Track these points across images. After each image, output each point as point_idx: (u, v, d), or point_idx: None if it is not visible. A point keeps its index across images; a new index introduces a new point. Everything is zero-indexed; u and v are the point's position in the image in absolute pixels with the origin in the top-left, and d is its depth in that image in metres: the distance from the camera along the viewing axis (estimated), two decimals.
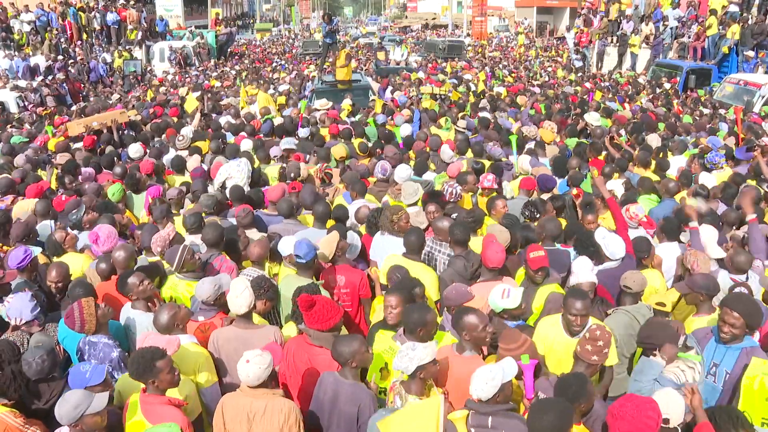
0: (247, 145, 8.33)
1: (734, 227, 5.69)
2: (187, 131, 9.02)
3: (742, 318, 3.55)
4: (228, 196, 6.30)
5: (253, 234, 5.41)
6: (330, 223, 5.52)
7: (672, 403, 3.01)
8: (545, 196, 6.31)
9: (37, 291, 4.65)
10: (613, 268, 4.65)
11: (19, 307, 4.06)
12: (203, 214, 5.70)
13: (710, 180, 6.78)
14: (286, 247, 4.74)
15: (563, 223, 5.58)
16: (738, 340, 3.64)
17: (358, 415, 3.39)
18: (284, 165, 7.37)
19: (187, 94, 14.47)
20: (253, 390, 3.29)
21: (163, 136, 9.47)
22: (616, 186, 6.44)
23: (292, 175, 6.82)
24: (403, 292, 3.99)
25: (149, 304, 4.27)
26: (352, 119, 10.49)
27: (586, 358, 3.44)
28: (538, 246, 4.54)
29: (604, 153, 8.09)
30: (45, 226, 5.79)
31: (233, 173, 6.59)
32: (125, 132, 9.63)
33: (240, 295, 3.84)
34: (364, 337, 3.99)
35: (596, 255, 4.75)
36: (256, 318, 4.14)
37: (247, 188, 6.43)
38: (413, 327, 3.66)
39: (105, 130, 9.33)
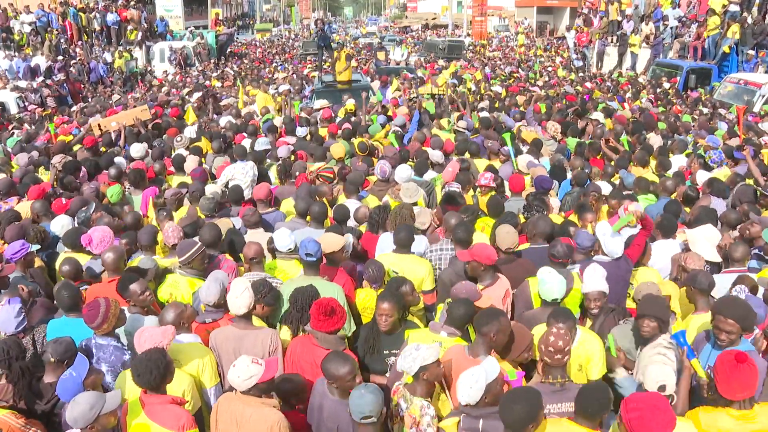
0: (265, 144, 8.32)
1: (733, 228, 5.69)
2: (188, 131, 9.06)
3: (738, 323, 3.57)
4: (228, 196, 6.32)
5: (260, 233, 5.40)
6: (327, 223, 5.53)
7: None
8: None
9: (33, 285, 4.73)
10: (605, 262, 4.61)
11: (4, 320, 4.07)
12: (203, 217, 5.72)
13: (706, 179, 6.79)
14: (281, 241, 4.80)
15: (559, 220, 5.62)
16: (734, 344, 3.63)
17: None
18: (278, 164, 7.39)
19: (188, 94, 14.48)
20: (244, 396, 3.28)
21: (165, 136, 9.48)
22: (606, 186, 6.43)
23: (297, 174, 6.84)
24: (396, 296, 4.01)
25: (144, 310, 4.27)
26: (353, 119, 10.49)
27: (559, 364, 3.39)
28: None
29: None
30: (60, 222, 5.73)
31: (237, 176, 6.59)
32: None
33: (240, 295, 3.84)
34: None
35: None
36: (257, 321, 4.13)
37: (249, 191, 6.44)
38: (462, 323, 3.77)
39: (123, 130, 9.33)
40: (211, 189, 6.55)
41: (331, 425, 3.37)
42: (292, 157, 7.96)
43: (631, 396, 2.96)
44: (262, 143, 8.26)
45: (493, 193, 6.35)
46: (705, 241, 4.96)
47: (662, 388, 3.07)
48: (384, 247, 5.12)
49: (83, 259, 5.12)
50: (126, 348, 3.94)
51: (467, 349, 3.61)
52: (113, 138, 9.39)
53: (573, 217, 5.85)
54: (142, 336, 3.56)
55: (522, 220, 5.66)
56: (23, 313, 4.13)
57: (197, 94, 13.79)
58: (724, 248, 4.90)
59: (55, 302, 4.48)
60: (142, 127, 9.48)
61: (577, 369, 3.79)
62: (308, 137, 9.10)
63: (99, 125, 9.61)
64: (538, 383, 3.43)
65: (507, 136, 8.20)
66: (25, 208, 6.27)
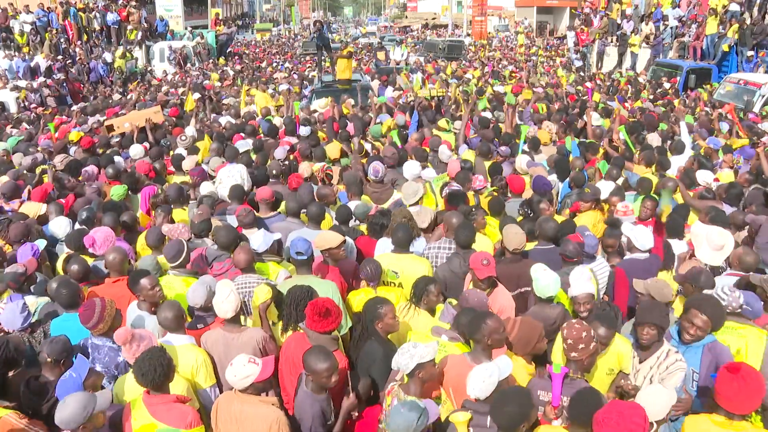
0: (246, 145, 8.30)
1: (742, 229, 5.70)
2: (190, 131, 9.05)
3: (711, 320, 3.64)
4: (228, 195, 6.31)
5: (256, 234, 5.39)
6: (326, 225, 5.51)
7: (659, 405, 3.07)
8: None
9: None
10: (640, 259, 4.75)
11: (11, 318, 4.11)
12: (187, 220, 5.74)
13: (708, 177, 6.78)
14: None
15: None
16: (700, 339, 3.72)
17: (301, 423, 3.37)
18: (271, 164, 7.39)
19: (184, 94, 14.47)
20: (243, 394, 3.29)
21: (169, 135, 9.46)
22: (606, 186, 6.44)
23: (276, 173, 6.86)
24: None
25: (153, 307, 4.25)
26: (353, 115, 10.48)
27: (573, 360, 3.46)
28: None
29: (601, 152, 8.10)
30: (58, 224, 5.72)
31: (224, 179, 6.57)
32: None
33: (225, 299, 3.83)
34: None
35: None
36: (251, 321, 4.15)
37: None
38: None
39: (136, 131, 9.30)
40: (209, 189, 6.56)
41: (301, 414, 3.38)
42: (291, 158, 7.96)
43: (611, 404, 2.93)
44: (243, 145, 8.16)
45: (495, 193, 6.35)
46: (705, 243, 4.95)
47: None
48: (382, 250, 5.11)
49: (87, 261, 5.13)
50: (120, 349, 3.93)
51: (469, 357, 3.58)
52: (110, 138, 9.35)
53: (585, 218, 5.87)
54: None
55: (518, 219, 5.67)
56: (27, 309, 4.16)
57: (196, 95, 13.78)
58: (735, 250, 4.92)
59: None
60: (149, 131, 9.42)
61: (607, 373, 3.77)
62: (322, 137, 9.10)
63: (112, 125, 9.58)
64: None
65: (525, 129, 8.22)
66: (29, 209, 6.24)
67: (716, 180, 7.01)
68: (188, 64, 24.60)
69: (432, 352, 3.30)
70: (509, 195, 6.59)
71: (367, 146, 8.24)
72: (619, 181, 6.85)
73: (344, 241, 4.79)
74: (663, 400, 3.09)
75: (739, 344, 3.84)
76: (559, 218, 5.85)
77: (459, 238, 4.84)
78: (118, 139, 9.30)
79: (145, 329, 3.80)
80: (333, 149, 7.70)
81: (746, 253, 4.78)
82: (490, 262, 4.30)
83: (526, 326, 3.73)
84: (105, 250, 4.90)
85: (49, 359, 3.61)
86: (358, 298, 4.54)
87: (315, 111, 10.95)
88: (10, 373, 3.65)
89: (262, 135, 9.45)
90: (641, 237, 4.79)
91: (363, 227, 5.73)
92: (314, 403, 3.33)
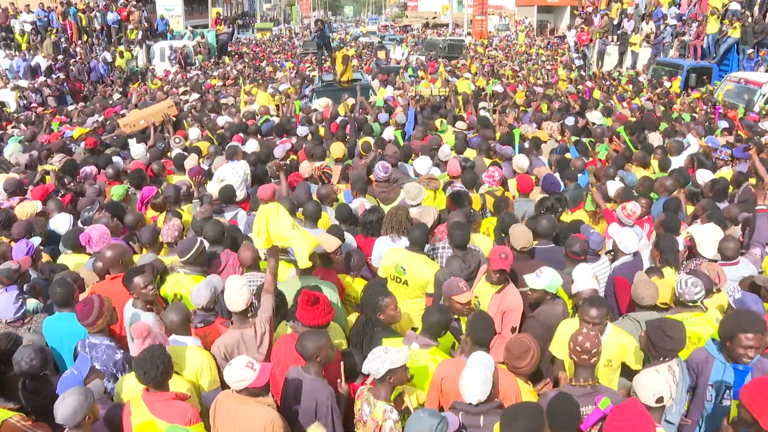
0: (251, 145, 8.31)
1: (737, 223, 5.74)
2: (194, 133, 9.06)
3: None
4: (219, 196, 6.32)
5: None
6: (324, 223, 5.51)
7: (660, 383, 3.08)
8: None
9: (45, 282, 4.78)
10: (629, 261, 4.77)
11: (3, 308, 4.14)
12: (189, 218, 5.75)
13: (707, 177, 6.78)
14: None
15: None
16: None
17: (315, 411, 3.40)
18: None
19: (183, 93, 14.46)
20: (239, 395, 3.29)
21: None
22: (612, 186, 6.43)
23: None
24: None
25: (148, 305, 4.27)
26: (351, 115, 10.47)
27: (586, 364, 3.40)
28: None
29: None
30: (61, 221, 5.78)
31: (227, 176, 6.57)
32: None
33: (238, 292, 3.83)
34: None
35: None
36: None
37: (243, 190, 6.43)
38: (438, 330, 3.77)
39: (151, 128, 9.29)
40: (213, 188, 6.56)
41: (310, 404, 3.40)
42: (295, 157, 7.97)
43: (619, 408, 2.89)
44: (251, 145, 8.18)
45: (501, 191, 6.36)
46: (710, 242, 4.97)
47: (660, 399, 3.01)
48: (381, 251, 5.09)
49: (83, 260, 5.14)
50: (118, 347, 3.95)
51: (463, 357, 3.55)
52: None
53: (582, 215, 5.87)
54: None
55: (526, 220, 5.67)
56: (20, 300, 4.19)
57: (195, 96, 13.79)
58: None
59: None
60: (168, 124, 9.42)
61: (605, 364, 3.78)
62: (308, 136, 9.09)
63: (128, 125, 9.58)
64: (568, 385, 3.43)
65: (517, 132, 8.22)
66: (25, 208, 6.25)
67: None
68: (176, 67, 24.44)
69: (404, 357, 3.27)
70: (514, 195, 6.59)
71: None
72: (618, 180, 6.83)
73: (340, 246, 4.75)
74: (657, 377, 3.11)
75: (701, 333, 3.85)
76: (568, 218, 5.85)
77: (454, 239, 4.83)
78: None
79: (158, 330, 3.80)
80: (337, 148, 7.70)
81: (727, 242, 4.81)
82: (508, 256, 4.33)
83: (517, 345, 3.61)
84: (101, 248, 4.92)
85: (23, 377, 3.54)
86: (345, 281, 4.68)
87: (315, 110, 10.95)
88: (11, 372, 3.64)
89: (260, 135, 9.47)
90: (626, 240, 4.77)
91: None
92: (325, 386, 3.40)
